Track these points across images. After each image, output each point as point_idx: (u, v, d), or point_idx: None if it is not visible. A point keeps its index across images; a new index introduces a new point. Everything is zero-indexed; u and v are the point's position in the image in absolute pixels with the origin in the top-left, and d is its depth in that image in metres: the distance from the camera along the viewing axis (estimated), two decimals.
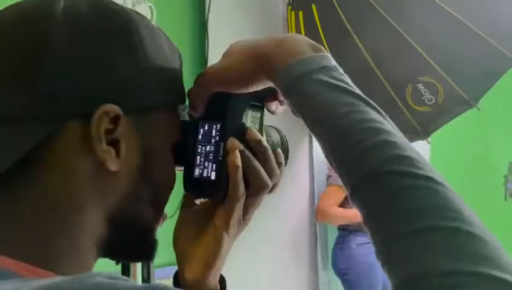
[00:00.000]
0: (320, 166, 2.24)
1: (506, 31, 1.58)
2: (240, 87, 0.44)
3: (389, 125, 0.38)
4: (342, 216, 2.06)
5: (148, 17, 1.71)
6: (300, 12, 1.83)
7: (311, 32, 1.83)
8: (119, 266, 1.16)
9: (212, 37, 1.75)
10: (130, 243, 0.44)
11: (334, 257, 2.12)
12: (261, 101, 0.47)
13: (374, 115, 0.38)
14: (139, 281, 1.20)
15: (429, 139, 1.79)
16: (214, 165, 0.45)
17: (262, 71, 0.42)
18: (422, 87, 1.68)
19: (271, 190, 0.47)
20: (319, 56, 0.41)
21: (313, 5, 1.80)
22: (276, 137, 0.51)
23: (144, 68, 0.41)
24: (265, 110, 0.48)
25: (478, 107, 1.65)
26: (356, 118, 0.37)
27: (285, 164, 0.49)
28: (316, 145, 2.24)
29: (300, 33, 1.88)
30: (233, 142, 0.43)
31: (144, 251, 0.46)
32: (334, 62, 0.41)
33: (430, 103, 1.69)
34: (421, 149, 2.81)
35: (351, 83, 0.41)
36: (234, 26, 1.82)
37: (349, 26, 1.72)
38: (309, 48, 0.42)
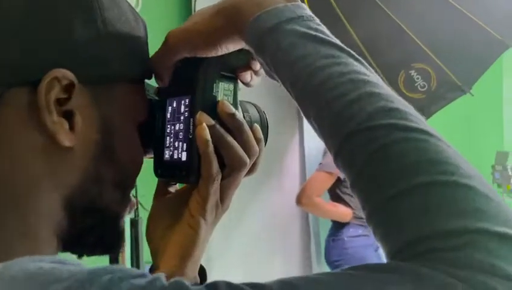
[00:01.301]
0: (312, 158, 2.21)
1: (499, 15, 1.56)
2: (207, 47, 0.38)
3: (374, 76, 0.34)
4: (324, 210, 1.99)
5: (133, 4, 1.65)
6: None
7: None
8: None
9: None
10: (94, 233, 0.38)
11: (326, 249, 2.08)
12: (233, 72, 0.42)
13: (357, 66, 0.34)
14: None
15: None
16: (185, 144, 0.40)
17: (232, 26, 0.37)
18: (415, 74, 1.65)
19: (250, 170, 0.42)
20: (293, 5, 0.36)
21: None
22: (254, 113, 0.46)
23: (103, 33, 0.36)
24: (240, 83, 0.43)
25: (471, 92, 1.63)
26: (337, 71, 0.33)
27: (265, 141, 0.45)
28: (308, 137, 2.22)
29: None
30: (202, 116, 0.39)
31: (110, 241, 0.41)
32: (309, 12, 0.36)
33: (422, 90, 1.67)
34: None
35: (330, 34, 0.36)
36: None
37: (340, 13, 1.68)
38: None
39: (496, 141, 3.88)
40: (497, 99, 3.93)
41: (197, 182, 0.40)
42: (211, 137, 0.39)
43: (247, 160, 0.40)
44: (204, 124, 0.38)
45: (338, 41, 0.35)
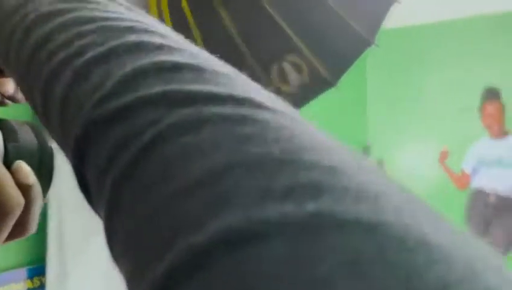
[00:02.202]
0: None
1: (363, 13, 1.64)
2: None
3: (156, 24, 0.21)
4: None
5: None
6: None
7: (174, 5, 1.68)
8: None
9: None
10: None
11: None
12: None
13: (124, 14, 0.20)
14: None
15: None
16: None
17: None
18: (288, 66, 1.66)
19: (15, 234, 0.27)
20: None
21: None
22: (27, 140, 0.30)
23: None
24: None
25: (337, 86, 1.69)
26: (78, 16, 0.20)
27: (49, 183, 0.30)
28: None
29: (161, 9, 1.71)
30: None
31: None
32: None
33: (295, 82, 1.68)
34: None
35: None
36: None
37: (218, 3, 1.61)
38: None
39: (364, 132, 4.22)
40: (362, 94, 4.27)
41: None
42: None
43: None
44: None
45: None
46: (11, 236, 0.27)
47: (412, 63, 4.08)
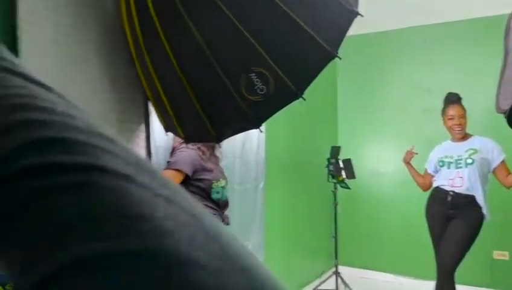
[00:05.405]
0: (159, 157, 2.07)
1: (327, 27, 1.63)
2: None
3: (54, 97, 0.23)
4: None
5: None
6: None
7: (143, 14, 1.63)
8: None
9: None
10: None
11: None
12: None
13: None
14: None
15: (262, 128, 1.76)
16: None
17: None
18: (255, 77, 1.64)
19: None
20: None
21: None
22: None
23: None
24: None
25: (304, 97, 1.68)
26: None
27: None
28: (155, 136, 2.07)
29: (132, 16, 1.66)
30: None
31: None
32: None
33: (262, 93, 1.66)
34: (257, 137, 2.84)
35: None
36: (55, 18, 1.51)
37: (183, 11, 1.57)
38: None
39: (330, 138, 4.24)
40: (333, 102, 4.29)
41: None
42: None
43: None
44: None
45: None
46: None
47: (378, 68, 4.11)
